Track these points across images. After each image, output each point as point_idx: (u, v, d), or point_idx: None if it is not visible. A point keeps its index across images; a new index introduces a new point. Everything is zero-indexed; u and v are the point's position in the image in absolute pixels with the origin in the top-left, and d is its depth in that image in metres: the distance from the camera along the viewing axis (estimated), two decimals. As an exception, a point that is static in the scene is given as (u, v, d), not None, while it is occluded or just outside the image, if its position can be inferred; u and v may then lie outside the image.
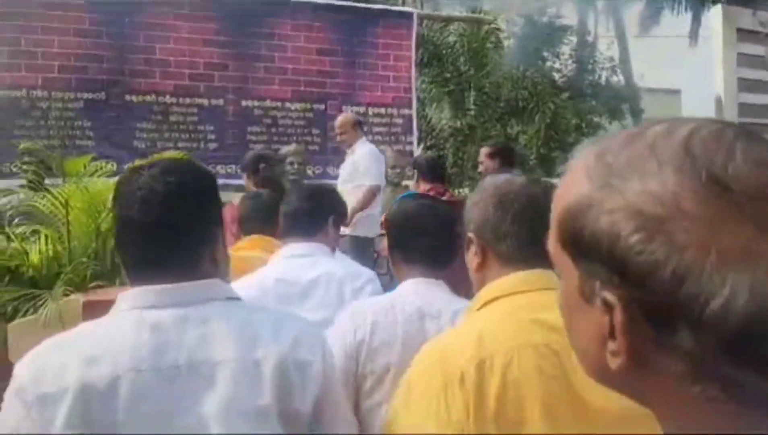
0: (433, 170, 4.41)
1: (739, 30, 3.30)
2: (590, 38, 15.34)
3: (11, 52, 5.14)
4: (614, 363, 0.52)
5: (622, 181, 0.49)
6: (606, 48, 15.24)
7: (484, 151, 4.61)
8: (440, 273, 1.59)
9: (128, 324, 1.03)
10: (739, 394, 0.48)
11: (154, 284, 1.05)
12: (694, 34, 15.32)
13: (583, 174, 0.52)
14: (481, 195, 1.21)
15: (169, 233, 1.07)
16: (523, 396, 0.99)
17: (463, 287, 1.47)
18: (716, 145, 0.48)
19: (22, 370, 1.00)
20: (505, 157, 4.17)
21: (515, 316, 1.09)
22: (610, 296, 0.50)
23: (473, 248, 1.20)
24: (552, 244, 0.57)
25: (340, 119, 5.04)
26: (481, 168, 4.86)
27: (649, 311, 0.48)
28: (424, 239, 1.58)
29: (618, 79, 14.71)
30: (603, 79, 14.11)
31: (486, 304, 1.14)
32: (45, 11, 5.18)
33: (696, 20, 15.12)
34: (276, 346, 1.05)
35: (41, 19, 5.17)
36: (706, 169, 0.46)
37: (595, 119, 13.41)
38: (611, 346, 0.51)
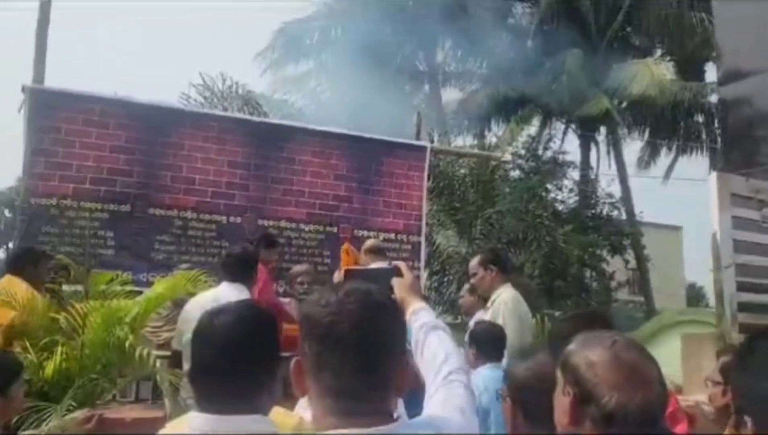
0: None
1: (734, 195, 3.56)
2: (592, 174, 15.97)
3: (47, 163, 5.42)
4: (566, 420, 1.30)
5: (584, 348, 1.30)
6: (607, 184, 15.81)
7: (465, 288, 4.76)
8: None
9: None
10: None
11: (213, 414, 1.32)
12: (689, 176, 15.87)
13: (573, 342, 1.35)
14: None
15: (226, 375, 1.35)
16: None
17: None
18: (617, 345, 1.28)
19: None
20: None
21: None
22: (569, 389, 1.28)
23: None
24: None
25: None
26: (461, 301, 5.02)
27: (581, 399, 1.25)
28: None
29: (619, 213, 15.15)
30: (604, 213, 14.54)
31: None
32: (87, 128, 5.54)
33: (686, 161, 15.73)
34: None
35: (82, 135, 5.51)
36: (615, 352, 1.25)
37: (597, 252, 13.66)
38: (568, 411, 1.29)
